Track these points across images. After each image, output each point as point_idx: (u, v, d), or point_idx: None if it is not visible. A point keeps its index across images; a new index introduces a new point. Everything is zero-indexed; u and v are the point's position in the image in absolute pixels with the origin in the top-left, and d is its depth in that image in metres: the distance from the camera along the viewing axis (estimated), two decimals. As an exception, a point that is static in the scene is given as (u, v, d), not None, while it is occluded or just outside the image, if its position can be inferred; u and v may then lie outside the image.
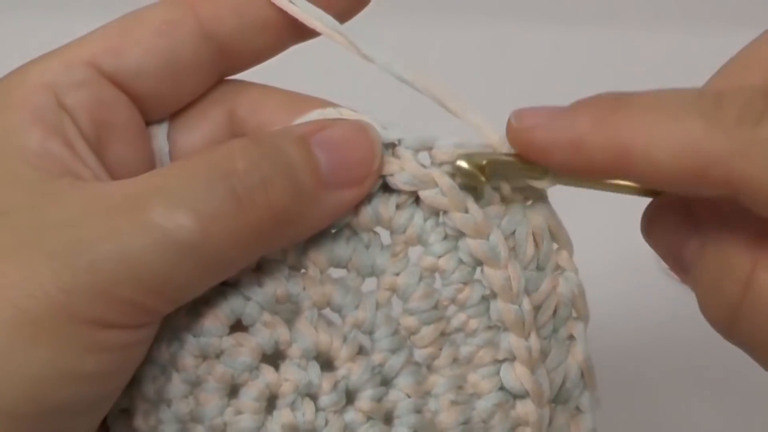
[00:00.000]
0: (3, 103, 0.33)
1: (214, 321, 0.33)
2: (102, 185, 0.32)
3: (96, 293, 0.29)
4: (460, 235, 0.34)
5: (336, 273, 0.35)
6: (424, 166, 0.34)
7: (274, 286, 0.34)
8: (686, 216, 0.32)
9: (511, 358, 0.34)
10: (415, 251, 0.35)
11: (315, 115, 0.34)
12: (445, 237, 0.34)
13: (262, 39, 0.36)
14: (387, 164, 0.34)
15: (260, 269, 0.34)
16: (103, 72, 0.35)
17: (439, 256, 0.34)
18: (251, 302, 0.34)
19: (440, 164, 0.34)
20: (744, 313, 0.30)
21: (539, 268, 0.35)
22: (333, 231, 0.34)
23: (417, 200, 0.34)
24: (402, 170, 0.34)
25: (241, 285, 0.34)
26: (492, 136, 0.33)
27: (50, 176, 0.32)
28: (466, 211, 0.34)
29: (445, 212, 0.34)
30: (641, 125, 0.29)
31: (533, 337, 0.34)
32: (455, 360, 0.35)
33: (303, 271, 0.34)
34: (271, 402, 0.34)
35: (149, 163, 0.37)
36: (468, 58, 0.69)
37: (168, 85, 0.36)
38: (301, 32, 0.36)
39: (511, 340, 0.34)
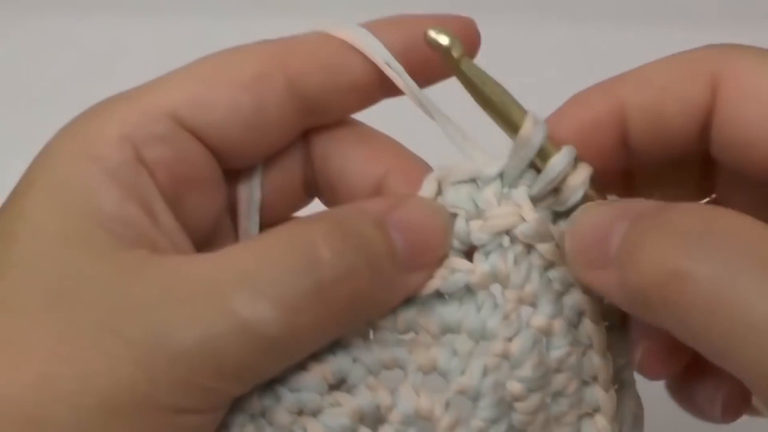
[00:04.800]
0: (78, 155, 0.32)
1: (319, 377, 0.32)
2: (181, 263, 0.31)
3: (178, 383, 0.29)
4: (566, 290, 0.33)
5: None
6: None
7: (382, 351, 0.33)
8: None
9: (592, 412, 0.33)
10: (524, 311, 0.33)
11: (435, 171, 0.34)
12: (557, 296, 0.33)
13: (351, 98, 0.35)
14: (505, 216, 0.33)
15: (370, 332, 0.33)
16: (185, 125, 0.33)
17: (553, 317, 0.33)
18: (358, 364, 0.32)
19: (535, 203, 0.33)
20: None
21: None
22: (446, 297, 0.33)
23: (529, 251, 0.33)
24: (524, 221, 0.32)
25: (350, 345, 0.32)
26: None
27: (125, 244, 0.31)
28: None
29: (555, 266, 0.33)
30: None
31: (612, 390, 0.34)
32: (546, 421, 0.33)
33: (413, 334, 0.33)
34: None
35: (222, 208, 0.36)
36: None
37: (251, 139, 0.34)
38: (391, 89, 0.35)
39: (599, 395, 0.33)
